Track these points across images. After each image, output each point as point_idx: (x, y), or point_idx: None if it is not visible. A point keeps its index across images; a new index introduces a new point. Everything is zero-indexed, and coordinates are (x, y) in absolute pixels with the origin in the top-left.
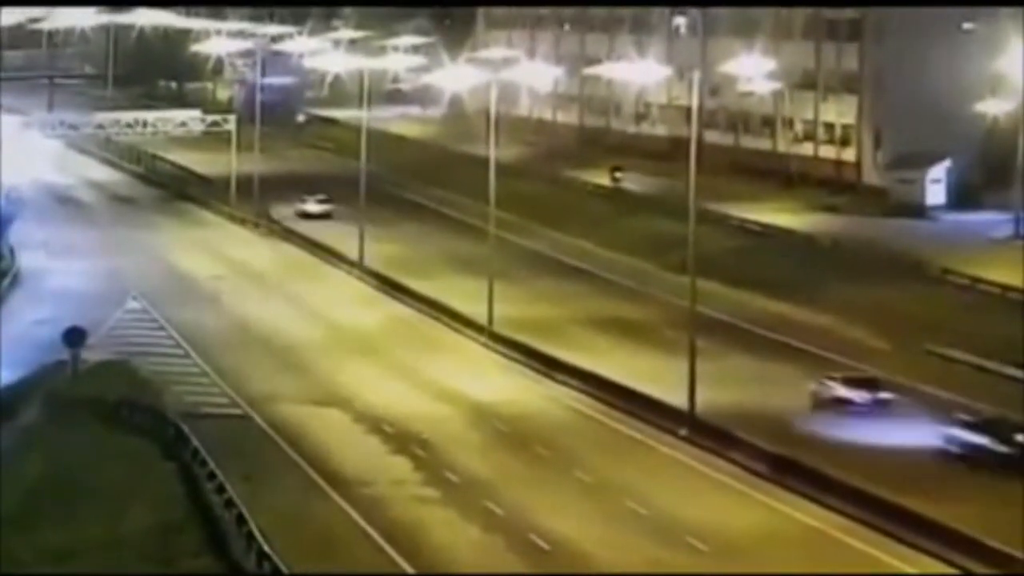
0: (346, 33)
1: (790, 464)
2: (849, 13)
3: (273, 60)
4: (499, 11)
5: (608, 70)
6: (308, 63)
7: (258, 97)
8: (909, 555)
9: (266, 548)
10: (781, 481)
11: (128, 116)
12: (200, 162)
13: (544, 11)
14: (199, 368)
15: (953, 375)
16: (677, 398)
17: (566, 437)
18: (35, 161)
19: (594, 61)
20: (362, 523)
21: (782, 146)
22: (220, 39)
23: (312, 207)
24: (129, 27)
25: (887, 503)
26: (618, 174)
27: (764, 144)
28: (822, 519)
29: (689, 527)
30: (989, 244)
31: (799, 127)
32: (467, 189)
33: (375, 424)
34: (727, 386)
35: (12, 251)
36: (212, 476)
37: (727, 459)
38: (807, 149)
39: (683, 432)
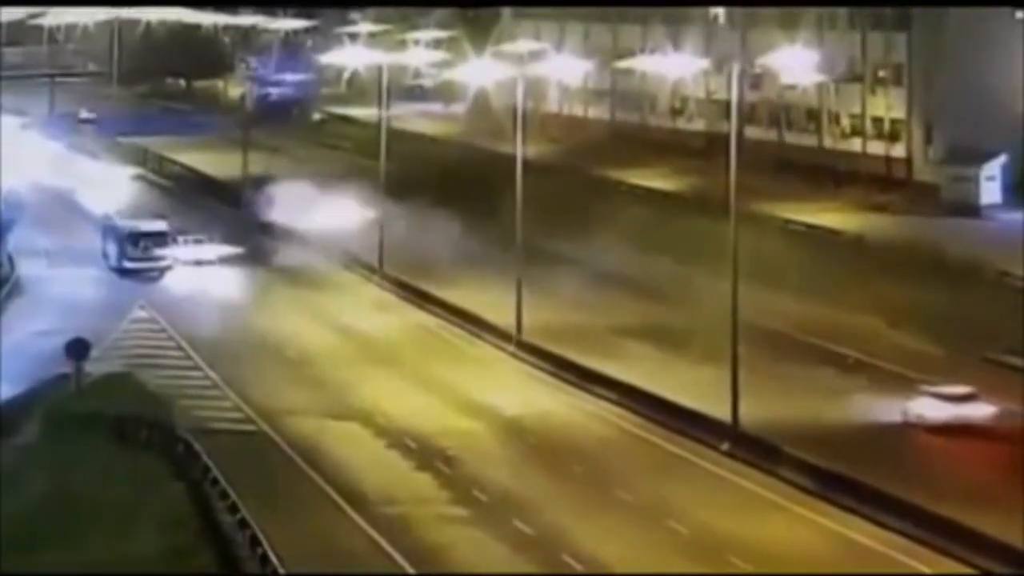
0: (364, 27)
1: (841, 480)
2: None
3: (287, 56)
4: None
5: (642, 63)
6: (324, 59)
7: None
8: None
9: (281, 571)
10: (831, 498)
11: None
12: (210, 164)
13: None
14: (210, 380)
15: (1012, 384)
16: (717, 410)
17: (600, 452)
18: (36, 164)
19: (627, 54)
20: (384, 544)
21: (828, 142)
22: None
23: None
24: (134, 22)
25: (945, 520)
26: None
27: (809, 140)
28: (877, 538)
29: (732, 546)
30: None
31: (846, 122)
32: (492, 189)
33: (397, 439)
34: (771, 397)
35: (11, 258)
36: (224, 495)
37: (773, 475)
38: (854, 145)
39: (725, 446)
